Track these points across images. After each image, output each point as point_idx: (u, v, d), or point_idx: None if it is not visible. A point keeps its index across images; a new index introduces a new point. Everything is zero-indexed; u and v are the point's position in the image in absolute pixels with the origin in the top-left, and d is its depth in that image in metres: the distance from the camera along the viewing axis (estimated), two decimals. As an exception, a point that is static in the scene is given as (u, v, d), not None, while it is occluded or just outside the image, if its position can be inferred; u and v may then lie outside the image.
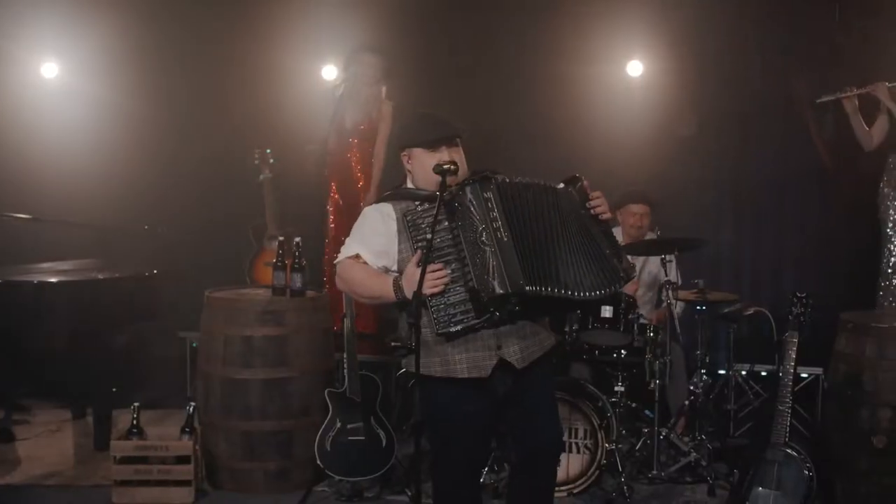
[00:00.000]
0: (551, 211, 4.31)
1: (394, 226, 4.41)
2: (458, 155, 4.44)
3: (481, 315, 4.21)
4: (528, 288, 4.12)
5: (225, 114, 9.05)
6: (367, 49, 7.99)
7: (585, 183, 4.43)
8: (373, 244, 4.48)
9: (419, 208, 4.27)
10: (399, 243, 4.40)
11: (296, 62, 8.85)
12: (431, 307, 4.21)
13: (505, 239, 4.15)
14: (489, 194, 4.20)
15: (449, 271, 4.19)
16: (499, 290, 4.11)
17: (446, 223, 4.20)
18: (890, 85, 7.20)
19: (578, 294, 4.25)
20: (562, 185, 4.41)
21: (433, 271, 4.16)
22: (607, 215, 4.42)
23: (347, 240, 4.59)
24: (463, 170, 4.41)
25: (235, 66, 8.98)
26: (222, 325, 6.42)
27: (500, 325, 4.31)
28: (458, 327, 4.22)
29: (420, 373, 4.27)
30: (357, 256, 4.50)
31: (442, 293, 4.19)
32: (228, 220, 9.05)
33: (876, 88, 7.18)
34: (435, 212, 4.18)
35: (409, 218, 4.27)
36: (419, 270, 4.15)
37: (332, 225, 8.16)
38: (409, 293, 4.24)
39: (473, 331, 4.29)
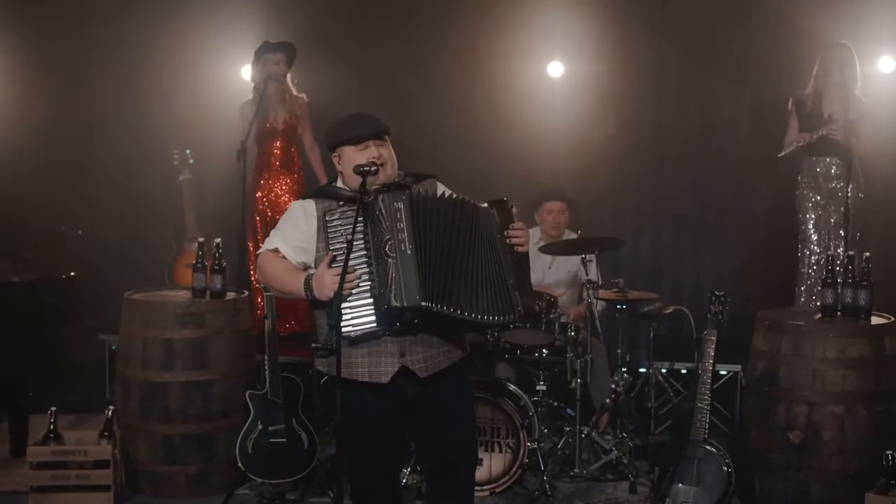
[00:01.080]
0: (464, 230, 4.26)
1: (314, 224, 4.39)
2: (386, 151, 4.42)
3: (381, 323, 4.21)
4: (423, 304, 4.10)
5: (144, 114, 8.96)
6: (272, 47, 7.96)
7: (513, 210, 4.40)
8: (292, 239, 4.47)
9: (338, 210, 4.26)
10: (317, 242, 4.39)
11: (216, 62, 8.80)
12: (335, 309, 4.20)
13: (408, 252, 4.12)
14: (399, 205, 4.16)
15: (358, 276, 4.18)
16: (395, 303, 4.10)
17: (361, 228, 4.18)
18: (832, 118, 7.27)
19: (472, 316, 4.21)
20: (485, 205, 4.36)
21: (346, 273, 4.14)
22: (523, 248, 4.38)
23: (272, 232, 4.59)
24: (391, 168, 4.41)
25: (155, 66, 8.91)
26: (142, 328, 6.34)
27: (405, 333, 4.31)
28: (359, 332, 4.21)
29: (329, 373, 4.34)
30: (276, 250, 4.50)
31: (348, 297, 4.17)
32: (148, 221, 8.96)
33: (833, 131, 7.24)
34: (352, 215, 4.17)
35: (327, 218, 4.26)
36: (328, 272, 4.17)
37: (257, 226, 8.11)
38: (317, 293, 4.24)
39: (375, 337, 4.28)
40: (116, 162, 9.03)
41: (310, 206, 4.46)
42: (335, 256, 4.19)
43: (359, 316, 4.20)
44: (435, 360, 4.39)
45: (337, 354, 4.10)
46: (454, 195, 4.38)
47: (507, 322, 4.35)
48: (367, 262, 4.19)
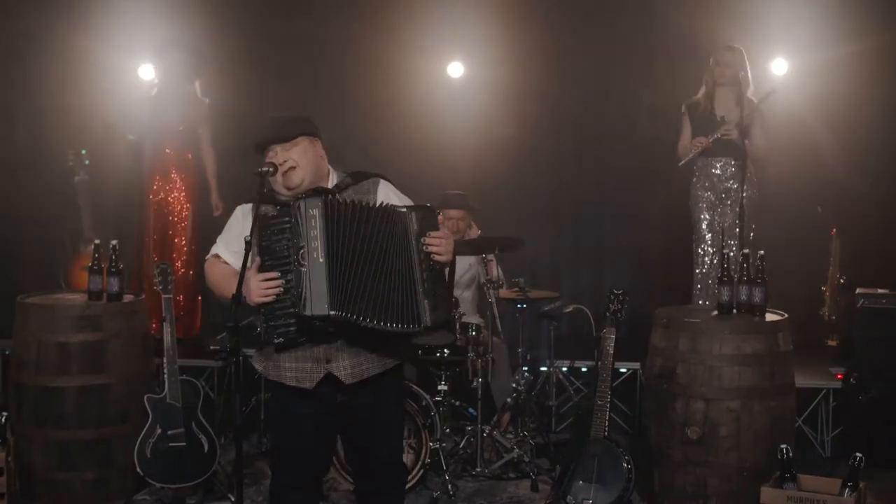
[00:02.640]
0: (379, 237, 4.20)
1: (250, 228, 4.36)
2: (297, 153, 4.35)
3: (300, 331, 4.19)
4: (332, 313, 4.07)
5: (38, 114, 8.79)
6: (172, 45, 7.87)
7: (438, 217, 4.36)
8: (233, 244, 4.45)
9: (269, 214, 4.23)
10: (253, 246, 4.35)
11: (112, 60, 8.64)
12: (262, 315, 4.19)
13: (320, 260, 4.09)
14: (314, 212, 4.12)
15: (283, 281, 4.15)
16: (305, 312, 4.09)
17: (286, 233, 4.16)
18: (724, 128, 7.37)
19: (380, 324, 4.17)
20: (404, 209, 4.31)
21: (267, 279, 4.13)
22: (441, 258, 4.30)
23: (218, 237, 4.60)
24: (305, 170, 4.35)
25: (50, 64, 8.73)
26: (35, 332, 6.22)
27: (330, 340, 4.28)
28: (280, 339, 4.20)
29: (264, 374, 4.38)
30: (217, 256, 4.51)
31: (273, 302, 4.15)
32: (42, 223, 8.79)
33: (728, 132, 7.34)
34: (276, 221, 4.16)
35: (259, 223, 4.22)
36: (255, 278, 4.15)
37: (152, 228, 8.01)
38: (248, 299, 4.19)
39: (297, 344, 4.26)
40: (9, 162, 8.84)
41: (248, 210, 4.42)
42: (263, 262, 4.16)
43: (282, 322, 4.17)
44: (362, 366, 4.35)
45: (235, 356, 4.08)
46: (374, 202, 4.33)
47: (411, 331, 4.27)
48: (290, 269, 4.16)
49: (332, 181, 4.47)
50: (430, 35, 8.82)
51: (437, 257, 4.29)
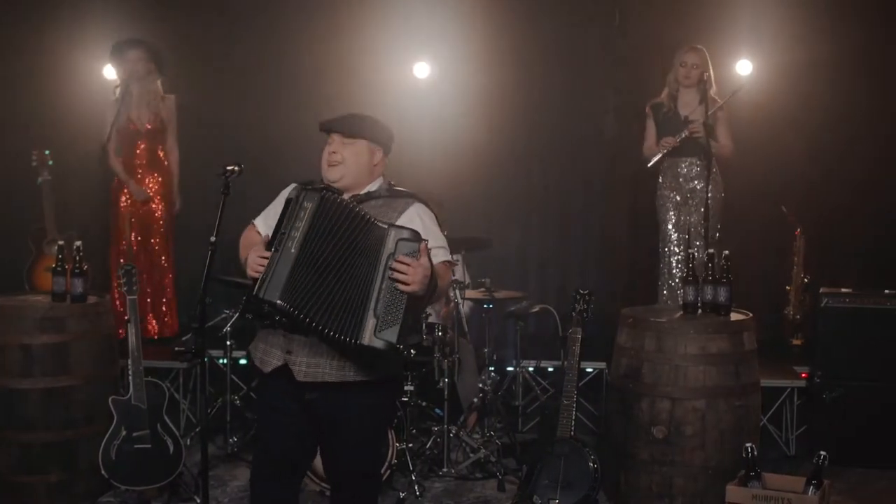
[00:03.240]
0: (355, 245, 4.17)
1: None
2: (349, 153, 4.45)
3: (246, 307, 4.24)
4: (279, 302, 4.06)
5: (2, 115, 8.71)
6: (130, 44, 7.82)
7: (420, 245, 4.18)
8: (270, 217, 4.50)
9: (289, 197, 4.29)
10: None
11: (76, 60, 8.58)
12: (247, 292, 4.24)
13: (293, 251, 4.11)
14: (308, 204, 4.15)
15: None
16: (259, 293, 4.09)
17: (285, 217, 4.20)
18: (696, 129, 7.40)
19: (319, 327, 4.12)
20: (387, 226, 4.22)
21: (262, 256, 4.17)
22: (405, 287, 4.13)
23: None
24: (347, 171, 4.42)
25: (13, 63, 8.65)
26: (-1, 333, 6.18)
27: (294, 331, 4.28)
28: (248, 315, 4.28)
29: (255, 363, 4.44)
30: (254, 225, 4.61)
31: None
32: (5, 224, 8.72)
33: (695, 130, 7.36)
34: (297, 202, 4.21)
35: (285, 204, 4.27)
36: (254, 253, 4.21)
37: (124, 229, 7.96)
38: (247, 272, 4.27)
39: (265, 326, 4.35)
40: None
41: (290, 189, 4.48)
42: (271, 240, 4.20)
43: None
44: (317, 368, 4.31)
45: (201, 357, 4.08)
46: (362, 208, 4.28)
47: (344, 342, 4.13)
48: None
49: (371, 188, 4.50)
50: (395, 35, 8.80)
51: (399, 285, 4.14)
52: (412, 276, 4.12)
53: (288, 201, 4.24)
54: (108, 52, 8.10)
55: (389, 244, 4.17)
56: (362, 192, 4.47)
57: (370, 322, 4.13)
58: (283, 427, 4.48)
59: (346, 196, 4.37)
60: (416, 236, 4.21)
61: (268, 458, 4.53)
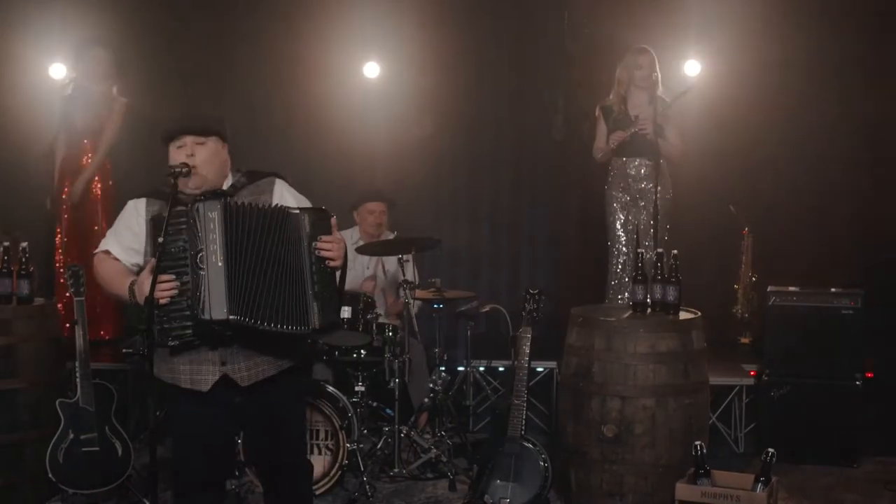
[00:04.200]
0: (274, 240, 4.19)
1: (144, 226, 4.34)
2: (206, 151, 4.33)
3: (196, 334, 4.16)
4: (231, 317, 4.06)
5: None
6: (95, 44, 7.74)
7: (332, 220, 4.31)
8: (124, 240, 4.41)
9: (164, 214, 4.16)
10: (146, 244, 4.32)
11: (22, 59, 8.48)
12: (156, 317, 4.12)
13: (219, 264, 4.07)
14: (213, 214, 4.10)
15: (178, 283, 4.11)
16: (204, 316, 4.07)
17: (183, 234, 4.11)
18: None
19: (274, 326, 4.15)
20: (297, 210, 4.28)
21: (163, 281, 4.08)
22: (334, 263, 4.28)
23: (109, 231, 4.54)
24: (209, 169, 4.32)
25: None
26: (-57, 335, 6.09)
27: (226, 342, 4.26)
28: (176, 342, 4.17)
29: (158, 377, 4.26)
30: (108, 252, 4.44)
31: (168, 305, 4.11)
32: (-52, 225, 8.60)
33: (643, 126, 7.37)
34: (175, 221, 4.10)
35: (151, 223, 4.21)
36: (148, 279, 4.08)
37: (66, 228, 7.87)
38: (140, 299, 4.14)
39: (192, 347, 4.24)
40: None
41: (141, 206, 4.39)
42: (159, 263, 4.09)
43: (177, 325, 4.13)
44: (258, 368, 4.35)
45: (149, 353, 4.03)
46: (269, 202, 4.31)
47: (300, 332, 4.25)
48: (186, 271, 4.12)
49: (228, 182, 4.44)
50: (345, 35, 8.79)
51: (329, 262, 4.27)
52: (337, 251, 4.27)
53: (160, 219, 4.13)
54: (53, 51, 8.02)
55: (306, 227, 4.24)
56: (226, 187, 4.41)
57: (315, 305, 4.22)
58: (206, 439, 4.44)
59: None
60: (325, 213, 4.31)
61: (192, 471, 4.47)
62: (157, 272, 4.04)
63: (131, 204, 4.45)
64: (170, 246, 4.10)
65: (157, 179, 4.45)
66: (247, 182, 4.44)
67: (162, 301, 4.07)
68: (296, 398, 4.69)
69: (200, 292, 4.05)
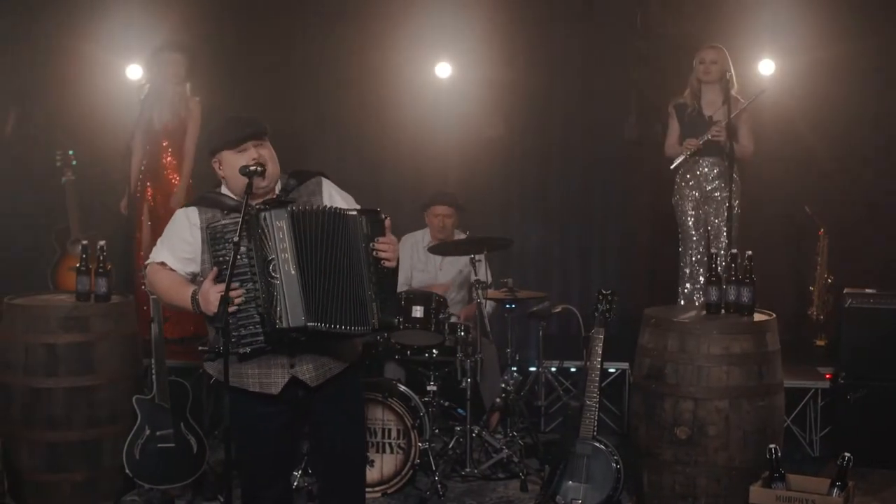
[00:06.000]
0: (338, 243, 4.25)
1: (199, 235, 4.37)
2: (267, 152, 4.37)
3: (268, 341, 4.21)
4: (310, 324, 4.13)
5: (26, 114, 8.76)
6: (171, 47, 7.84)
7: (386, 222, 4.37)
8: (179, 251, 4.44)
9: (222, 221, 4.22)
10: (203, 253, 4.36)
11: (100, 61, 8.61)
12: (221, 324, 4.16)
13: (292, 272, 4.13)
14: (281, 223, 4.15)
15: (244, 291, 4.16)
16: (282, 325, 4.12)
17: (245, 242, 4.15)
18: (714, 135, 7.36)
19: (345, 328, 4.22)
20: (354, 213, 4.34)
21: (231, 290, 4.12)
22: (390, 264, 4.33)
23: (158, 241, 4.55)
24: (273, 168, 4.37)
25: (37, 64, 8.70)
26: (23, 333, 6.19)
27: (295, 345, 4.30)
28: (247, 349, 4.21)
29: (220, 378, 4.30)
30: (163, 264, 4.46)
31: (235, 312, 4.15)
32: (30, 224, 8.78)
33: (717, 133, 7.32)
34: (235, 228, 4.14)
35: (210, 231, 4.23)
36: (213, 288, 4.14)
37: (147, 229, 7.97)
38: (203, 309, 4.21)
39: (264, 352, 4.28)
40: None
41: (193, 215, 4.42)
42: (220, 272, 4.15)
43: (247, 333, 4.18)
44: (325, 367, 4.42)
45: (224, 363, 4.08)
46: (327, 207, 4.34)
47: (361, 333, 4.34)
48: (251, 279, 4.17)
49: (283, 185, 4.47)
50: (417, 36, 8.81)
51: (385, 263, 4.32)
52: (393, 252, 4.33)
53: (221, 228, 4.18)
54: (130, 52, 8.13)
55: (364, 228, 4.30)
56: (279, 190, 4.46)
57: (373, 305, 4.29)
58: (274, 438, 4.51)
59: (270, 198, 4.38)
60: (379, 214, 4.36)
61: (261, 470, 4.54)
62: (228, 281, 4.08)
63: (181, 213, 4.49)
64: (230, 254, 4.12)
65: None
66: (297, 184, 4.49)
67: (230, 309, 4.12)
68: (356, 393, 4.75)
69: (276, 301, 4.12)
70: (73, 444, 6.18)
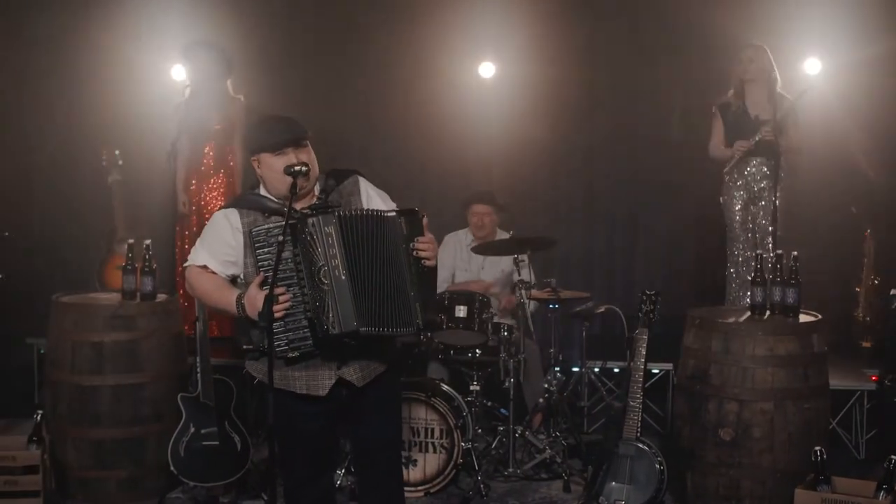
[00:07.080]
0: (382, 243, 4.24)
1: (241, 238, 4.35)
2: (307, 156, 4.36)
3: (318, 346, 4.21)
4: (362, 329, 4.14)
5: (72, 115, 8.84)
6: (202, 45, 7.86)
7: (424, 221, 4.35)
8: (220, 254, 4.42)
9: (265, 226, 4.22)
10: (245, 257, 4.36)
11: (145, 60, 8.67)
12: (266, 328, 4.15)
13: (343, 278, 4.13)
14: (330, 229, 4.15)
15: (290, 295, 4.16)
16: (333, 331, 4.13)
17: (290, 247, 4.15)
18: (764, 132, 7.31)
19: (393, 330, 4.24)
20: (393, 213, 4.33)
21: (276, 295, 4.11)
22: (430, 263, 4.32)
23: (197, 242, 4.52)
24: (314, 170, 4.37)
25: (82, 65, 8.78)
26: (70, 331, 6.27)
27: (344, 349, 4.31)
28: (296, 353, 4.21)
29: (261, 378, 4.33)
30: (205, 267, 4.44)
31: (283, 317, 4.16)
32: (77, 223, 8.86)
33: (768, 133, 7.26)
34: (279, 232, 4.13)
35: (253, 235, 4.22)
36: (260, 294, 4.12)
37: (192, 228, 8.02)
38: (250, 313, 4.21)
39: (312, 357, 4.29)
40: (44, 163, 8.92)
41: (234, 217, 4.40)
42: (266, 278, 4.15)
43: (295, 337, 4.19)
44: (370, 367, 4.43)
45: (269, 366, 4.10)
46: (369, 210, 4.32)
47: (406, 334, 4.35)
48: (298, 283, 4.17)
49: (322, 186, 4.47)
50: (461, 36, 8.82)
51: (426, 262, 4.31)
52: (432, 251, 4.32)
53: (266, 233, 4.18)
54: (176, 52, 8.17)
55: (403, 229, 4.29)
56: (318, 191, 4.44)
57: (416, 306, 4.29)
58: (318, 436, 4.53)
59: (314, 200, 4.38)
60: (417, 214, 4.34)
61: (305, 467, 4.55)
62: (272, 285, 4.07)
63: (221, 215, 4.45)
64: (274, 257, 4.11)
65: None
66: (335, 184, 4.47)
67: (278, 315, 4.12)
68: (395, 392, 4.75)
69: (326, 307, 4.12)
70: (119, 441, 6.24)
